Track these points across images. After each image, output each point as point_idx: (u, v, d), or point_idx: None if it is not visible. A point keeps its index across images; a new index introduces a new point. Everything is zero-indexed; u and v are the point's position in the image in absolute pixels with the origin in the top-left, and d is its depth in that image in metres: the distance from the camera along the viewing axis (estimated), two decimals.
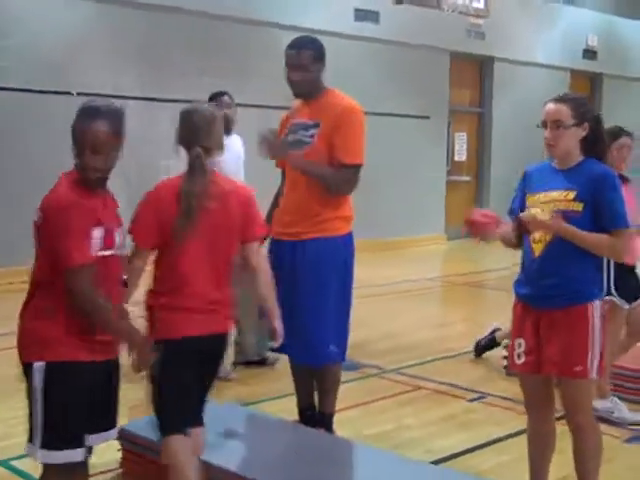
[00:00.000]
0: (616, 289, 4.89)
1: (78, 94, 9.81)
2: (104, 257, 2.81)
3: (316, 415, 4.42)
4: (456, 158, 15.04)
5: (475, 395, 5.53)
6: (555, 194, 3.40)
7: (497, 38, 14.82)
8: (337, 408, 4.55)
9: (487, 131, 15.37)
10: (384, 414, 5.17)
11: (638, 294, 5.08)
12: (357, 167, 4.23)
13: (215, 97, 5.91)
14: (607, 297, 4.60)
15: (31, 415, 2.78)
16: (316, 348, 4.25)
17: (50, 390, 2.73)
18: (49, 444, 2.74)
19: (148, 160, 9.20)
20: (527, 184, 3.56)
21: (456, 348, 6.67)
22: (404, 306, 8.65)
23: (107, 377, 2.93)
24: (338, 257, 4.27)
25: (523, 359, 3.50)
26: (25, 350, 2.81)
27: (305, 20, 12.11)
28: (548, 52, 15.87)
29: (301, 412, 4.48)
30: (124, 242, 2.96)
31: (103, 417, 2.96)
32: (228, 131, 5.42)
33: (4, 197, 9.27)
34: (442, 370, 6.14)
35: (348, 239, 4.37)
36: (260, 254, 3.48)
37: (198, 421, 3.23)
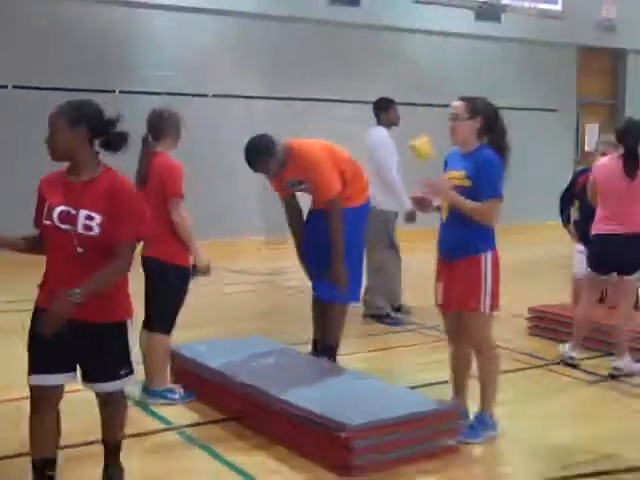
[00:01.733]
0: None
1: (213, 96, 11.56)
2: (46, 226, 3.40)
3: (321, 346, 5.59)
4: (587, 148, 15.48)
5: None
6: (454, 173, 4.41)
7: (630, 30, 15.12)
8: (365, 350, 5.91)
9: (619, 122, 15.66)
10: (398, 356, 6.29)
11: None
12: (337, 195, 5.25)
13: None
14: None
15: None
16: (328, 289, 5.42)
17: None
18: None
19: None
20: (445, 165, 4.59)
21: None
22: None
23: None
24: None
25: (440, 299, 4.55)
26: None
27: (433, 24, 13.20)
28: None
29: (313, 343, 5.68)
30: (75, 221, 3.35)
31: (49, 360, 3.42)
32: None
33: None
34: None
35: (361, 209, 5.54)
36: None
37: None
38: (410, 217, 7.06)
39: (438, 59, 13.58)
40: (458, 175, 4.39)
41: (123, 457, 3.73)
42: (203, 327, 6.67)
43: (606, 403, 5.26)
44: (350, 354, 5.89)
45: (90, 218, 3.33)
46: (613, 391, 5.47)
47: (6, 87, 10.39)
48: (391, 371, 5.78)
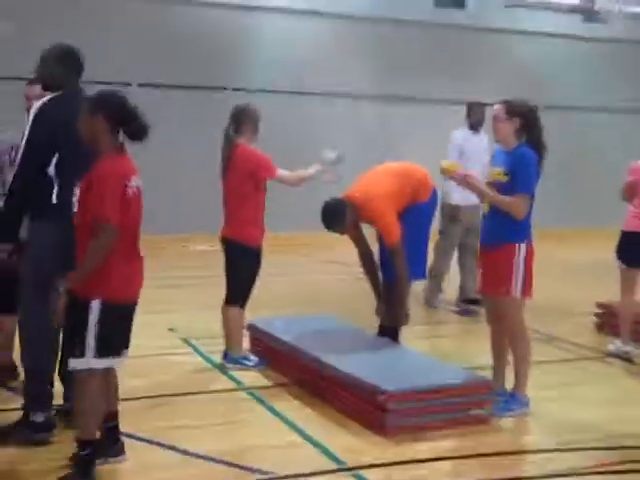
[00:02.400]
0: None
1: (321, 93, 12.27)
2: None
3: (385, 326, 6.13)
4: None
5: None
6: (496, 169, 4.88)
7: None
8: (430, 334, 6.59)
9: None
10: (460, 341, 6.83)
11: None
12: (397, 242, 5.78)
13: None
14: None
15: None
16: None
17: None
18: None
19: (383, 152, 11.18)
20: (492, 160, 5.05)
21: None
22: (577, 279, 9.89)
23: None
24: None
25: (480, 285, 5.03)
26: None
27: (540, 25, 13.46)
28: None
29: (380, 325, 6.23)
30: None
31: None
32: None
33: None
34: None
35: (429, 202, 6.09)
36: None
37: None
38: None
39: (544, 60, 13.80)
40: (498, 171, 4.86)
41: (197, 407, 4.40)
42: (286, 308, 7.34)
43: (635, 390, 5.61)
44: (416, 336, 6.43)
45: (74, 195, 3.79)
46: None
47: (130, 84, 11.36)
48: (449, 353, 6.26)
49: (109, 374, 3.93)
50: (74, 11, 10.98)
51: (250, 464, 4.05)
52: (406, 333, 6.04)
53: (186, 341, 6.40)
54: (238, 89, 11.84)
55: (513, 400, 4.92)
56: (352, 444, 4.38)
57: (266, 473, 3.96)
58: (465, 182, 4.91)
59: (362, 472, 4.00)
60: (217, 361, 5.78)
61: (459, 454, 4.31)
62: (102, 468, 3.88)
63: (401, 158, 6.35)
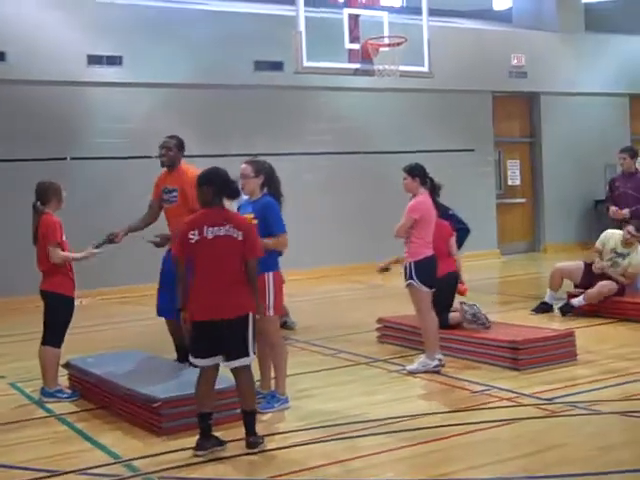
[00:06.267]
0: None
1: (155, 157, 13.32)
2: None
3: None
4: (509, 183, 17.20)
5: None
6: (246, 215, 6.03)
7: (539, 75, 16.94)
8: None
9: (538, 158, 17.41)
10: None
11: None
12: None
13: None
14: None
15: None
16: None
17: None
18: None
19: None
20: (238, 210, 6.21)
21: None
22: None
23: None
24: None
25: None
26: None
27: (354, 81, 14.88)
28: (591, 82, 17.57)
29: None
30: None
31: None
32: None
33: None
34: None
35: None
36: None
37: None
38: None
39: (361, 113, 15.28)
40: (249, 217, 6.01)
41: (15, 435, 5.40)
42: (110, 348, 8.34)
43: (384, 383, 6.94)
44: None
45: None
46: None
47: None
48: None
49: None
50: None
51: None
52: None
53: (12, 384, 7.34)
54: (78, 158, 12.82)
55: (274, 399, 6.08)
56: (134, 445, 5.44)
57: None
58: None
59: (134, 463, 5.07)
60: (36, 397, 6.73)
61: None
62: None
63: None
